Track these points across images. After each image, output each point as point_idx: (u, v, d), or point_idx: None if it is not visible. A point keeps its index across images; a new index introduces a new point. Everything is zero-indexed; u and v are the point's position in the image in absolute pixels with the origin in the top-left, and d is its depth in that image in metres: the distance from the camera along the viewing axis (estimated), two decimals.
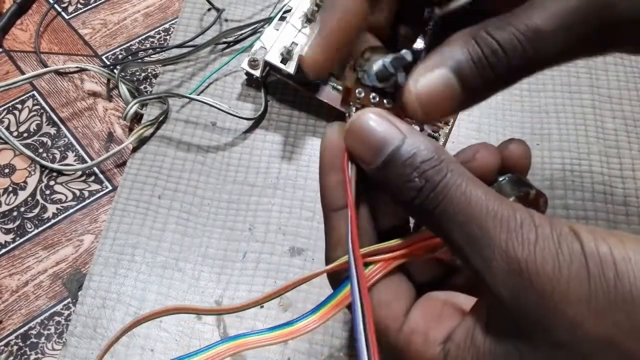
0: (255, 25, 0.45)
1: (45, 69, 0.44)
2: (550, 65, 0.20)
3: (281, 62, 0.39)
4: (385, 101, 0.22)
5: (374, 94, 0.22)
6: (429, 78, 0.19)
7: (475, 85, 0.19)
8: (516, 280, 0.16)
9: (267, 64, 0.39)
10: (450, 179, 0.18)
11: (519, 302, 0.17)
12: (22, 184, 0.40)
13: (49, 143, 0.42)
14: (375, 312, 0.20)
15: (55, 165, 0.40)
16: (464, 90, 0.19)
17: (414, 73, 0.20)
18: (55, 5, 0.49)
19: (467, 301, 0.20)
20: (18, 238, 0.38)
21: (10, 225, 0.38)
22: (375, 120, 0.19)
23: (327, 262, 0.22)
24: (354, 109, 0.22)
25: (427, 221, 0.19)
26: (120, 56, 0.46)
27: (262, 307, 0.34)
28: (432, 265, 0.23)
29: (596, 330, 0.15)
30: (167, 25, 0.48)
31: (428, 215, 0.18)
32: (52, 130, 0.42)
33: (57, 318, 0.35)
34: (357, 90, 0.22)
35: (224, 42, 0.45)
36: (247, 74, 0.41)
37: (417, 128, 0.21)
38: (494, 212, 0.17)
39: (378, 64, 0.21)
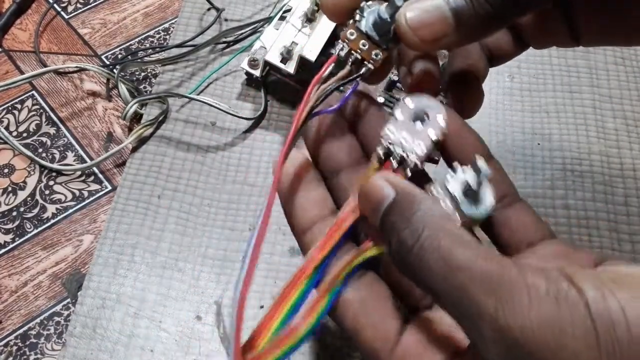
0: (255, 25, 0.45)
1: (44, 69, 0.44)
2: (541, 4, 0.20)
3: (281, 61, 0.39)
4: (373, 53, 0.22)
5: (364, 42, 0.22)
6: (421, 4, 0.20)
7: (469, 19, 0.20)
8: (511, 350, 0.15)
9: (267, 63, 0.39)
10: (426, 241, 0.17)
11: None
12: (21, 184, 0.40)
13: (49, 143, 0.42)
14: (363, 335, 0.19)
15: (55, 165, 0.40)
16: (457, 23, 0.20)
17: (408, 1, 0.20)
18: (55, 5, 0.49)
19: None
20: (17, 238, 0.38)
21: (10, 226, 0.38)
22: (376, 182, 0.19)
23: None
24: (341, 45, 0.22)
25: (419, 285, 0.18)
26: (119, 56, 0.46)
27: (262, 307, 0.34)
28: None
29: None
30: (166, 25, 0.48)
31: (416, 280, 0.17)
32: (52, 130, 0.42)
33: (56, 318, 0.35)
34: (349, 32, 0.22)
35: (224, 42, 0.45)
36: (247, 73, 0.41)
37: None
38: (478, 274, 0.15)
39: (374, 13, 0.21)
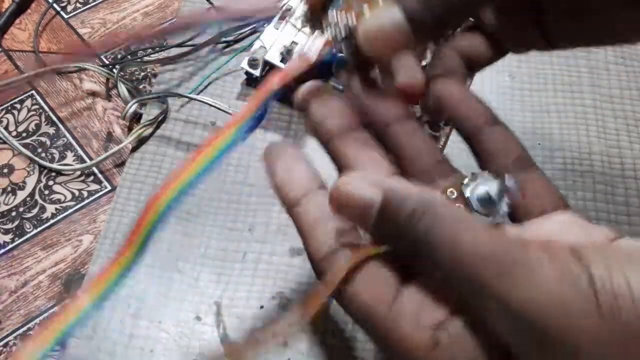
0: (255, 25, 0.45)
1: (44, 68, 0.43)
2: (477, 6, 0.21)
3: (281, 61, 0.38)
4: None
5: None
6: (375, 15, 0.21)
7: (423, 26, 0.21)
8: (517, 323, 0.15)
9: (266, 63, 0.39)
10: (438, 227, 0.17)
11: (522, 343, 0.16)
12: (20, 184, 0.40)
13: (48, 143, 0.42)
14: (359, 298, 0.19)
15: (54, 165, 0.40)
16: (412, 25, 0.20)
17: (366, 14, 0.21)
18: (54, 5, 0.49)
19: None
20: (17, 238, 0.38)
21: (9, 226, 0.38)
22: (352, 186, 0.18)
23: (309, 255, 0.21)
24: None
25: (429, 269, 0.18)
26: (119, 55, 0.46)
27: (262, 307, 0.34)
28: None
29: None
30: (166, 25, 0.48)
31: (427, 264, 0.18)
32: (51, 130, 0.42)
33: None
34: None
35: (224, 42, 0.45)
36: (247, 73, 0.41)
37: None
38: (484, 254, 0.16)
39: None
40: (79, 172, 0.40)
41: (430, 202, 0.18)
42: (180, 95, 0.42)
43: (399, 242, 0.18)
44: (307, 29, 0.39)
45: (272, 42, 0.39)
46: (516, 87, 0.43)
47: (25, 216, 0.38)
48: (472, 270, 0.16)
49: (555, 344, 0.15)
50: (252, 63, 0.40)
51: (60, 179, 0.40)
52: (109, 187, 0.40)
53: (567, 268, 0.15)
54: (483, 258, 0.16)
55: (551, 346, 0.15)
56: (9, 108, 0.43)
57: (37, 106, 0.43)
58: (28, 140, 0.42)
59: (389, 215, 0.18)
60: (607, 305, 0.14)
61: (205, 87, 0.43)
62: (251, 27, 0.45)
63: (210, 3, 0.47)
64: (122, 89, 0.42)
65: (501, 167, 0.22)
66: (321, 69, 0.39)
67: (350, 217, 0.19)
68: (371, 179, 0.19)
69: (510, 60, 0.44)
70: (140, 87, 0.44)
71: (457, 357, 0.17)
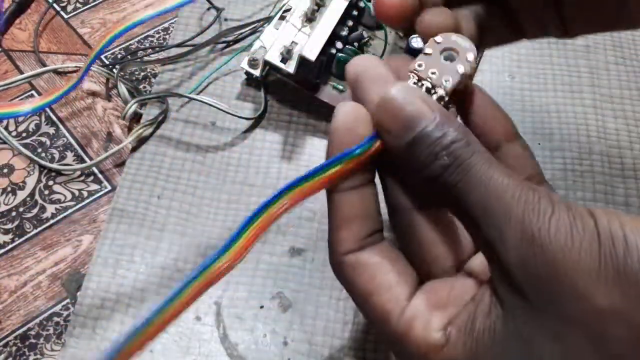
0: (255, 25, 0.45)
1: (44, 69, 0.44)
2: None
3: (281, 61, 0.38)
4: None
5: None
6: None
7: None
8: (528, 247, 0.17)
9: (267, 63, 0.39)
10: (476, 160, 0.18)
11: (529, 270, 0.17)
12: (20, 184, 0.40)
13: (48, 143, 0.42)
14: (376, 297, 0.20)
15: (54, 165, 0.40)
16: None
17: None
18: (54, 5, 0.49)
19: (476, 288, 0.20)
20: (17, 238, 0.38)
21: (9, 226, 0.38)
22: (408, 96, 0.19)
23: (330, 245, 0.21)
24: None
25: (446, 194, 0.19)
26: (119, 56, 0.46)
27: (262, 307, 0.34)
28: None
29: (605, 302, 0.16)
30: (166, 25, 0.48)
31: (449, 189, 0.19)
32: (51, 130, 0.42)
33: (55, 319, 0.35)
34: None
35: (224, 42, 0.45)
36: (247, 73, 0.41)
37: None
38: (513, 189, 0.18)
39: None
40: (78, 172, 0.40)
41: (473, 138, 0.19)
42: (180, 95, 0.42)
43: (431, 165, 0.19)
44: (306, 29, 0.39)
45: (272, 42, 0.39)
46: (516, 87, 0.43)
47: (25, 216, 0.38)
48: (500, 197, 0.18)
49: (557, 266, 0.16)
50: (252, 63, 0.40)
51: (60, 179, 0.40)
52: (109, 187, 0.40)
53: (580, 215, 0.17)
54: (512, 191, 0.18)
55: (554, 268, 0.16)
56: None
57: None
58: (28, 140, 0.42)
59: (434, 136, 0.19)
60: (606, 241, 0.16)
61: (205, 87, 0.43)
62: (251, 27, 0.45)
63: (210, 3, 0.47)
64: (122, 89, 0.42)
65: None
66: (322, 69, 0.39)
67: (389, 124, 0.20)
68: (427, 97, 0.20)
69: (510, 60, 0.44)
70: (140, 87, 0.44)
71: (468, 343, 0.18)
